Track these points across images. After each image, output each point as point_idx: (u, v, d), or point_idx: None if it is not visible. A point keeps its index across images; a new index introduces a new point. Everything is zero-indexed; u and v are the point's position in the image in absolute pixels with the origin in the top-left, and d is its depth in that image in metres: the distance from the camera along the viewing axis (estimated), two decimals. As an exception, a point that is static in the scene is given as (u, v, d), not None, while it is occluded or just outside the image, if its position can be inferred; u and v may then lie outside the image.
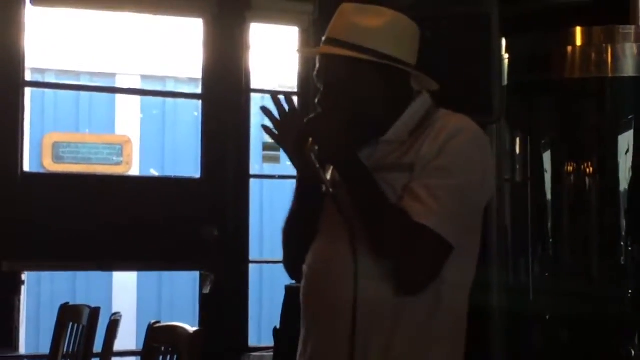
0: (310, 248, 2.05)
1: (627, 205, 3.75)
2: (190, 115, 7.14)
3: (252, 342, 5.22)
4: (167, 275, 7.52)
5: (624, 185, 3.77)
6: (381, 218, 1.85)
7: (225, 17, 5.05)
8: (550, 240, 3.86)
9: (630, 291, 3.71)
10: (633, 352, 3.66)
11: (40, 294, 7.06)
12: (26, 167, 4.85)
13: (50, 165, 7.34)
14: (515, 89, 3.85)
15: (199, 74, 5.20)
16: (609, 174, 3.82)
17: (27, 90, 4.95)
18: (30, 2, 4.74)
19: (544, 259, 3.87)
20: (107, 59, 7.49)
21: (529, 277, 3.89)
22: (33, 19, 4.84)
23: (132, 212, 4.74)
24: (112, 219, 4.68)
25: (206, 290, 4.91)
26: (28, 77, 5.09)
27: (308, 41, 5.16)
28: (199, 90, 5.34)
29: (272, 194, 7.31)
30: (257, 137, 5.21)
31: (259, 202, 6.99)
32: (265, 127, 2.04)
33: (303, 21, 5.27)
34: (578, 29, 3.77)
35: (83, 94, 7.70)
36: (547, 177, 3.86)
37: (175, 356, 2.61)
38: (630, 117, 3.81)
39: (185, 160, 7.02)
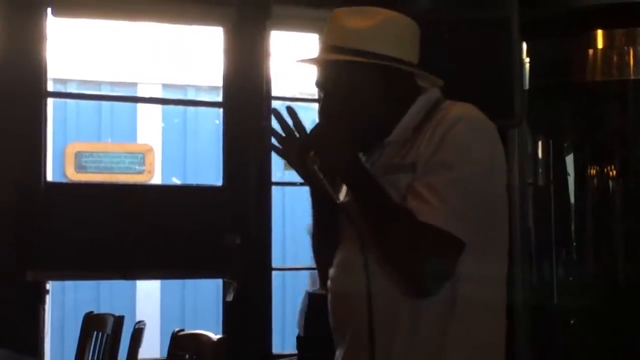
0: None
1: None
2: (211, 123, 7.15)
3: (276, 349, 5.21)
4: (190, 283, 7.54)
5: (647, 187, 3.75)
6: (387, 223, 1.81)
7: (245, 25, 5.06)
8: (574, 243, 3.84)
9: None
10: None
11: (65, 303, 7.11)
12: (49, 177, 4.87)
13: (73, 175, 7.38)
14: (536, 92, 3.83)
15: (219, 82, 5.21)
16: (632, 176, 3.79)
17: (50, 101, 4.99)
18: (52, 13, 4.77)
19: (568, 262, 3.85)
20: (128, 69, 7.53)
21: (552, 280, 3.86)
22: (55, 29, 4.88)
23: (155, 221, 4.75)
24: (135, 227, 4.70)
25: (229, 298, 4.91)
26: (50, 87, 5.13)
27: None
28: (219, 98, 5.34)
29: (293, 200, 7.29)
30: (279, 144, 5.20)
31: (281, 209, 6.99)
32: (271, 144, 1.97)
33: (323, 28, 5.25)
34: (599, 32, 3.75)
35: (105, 103, 7.77)
36: (570, 180, 3.84)
37: (199, 364, 2.63)
38: (653, 118, 3.80)
39: (206, 168, 7.05)
